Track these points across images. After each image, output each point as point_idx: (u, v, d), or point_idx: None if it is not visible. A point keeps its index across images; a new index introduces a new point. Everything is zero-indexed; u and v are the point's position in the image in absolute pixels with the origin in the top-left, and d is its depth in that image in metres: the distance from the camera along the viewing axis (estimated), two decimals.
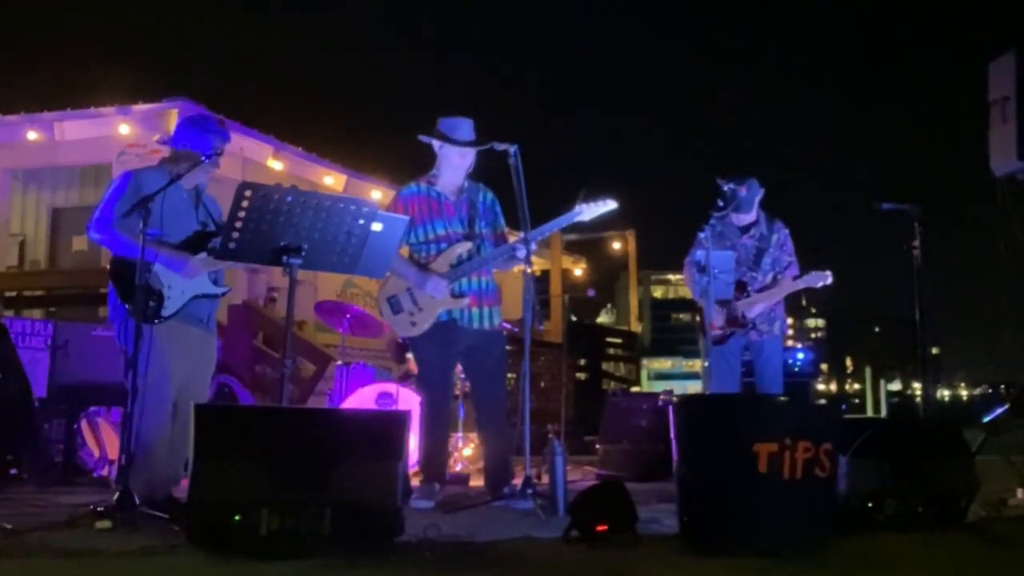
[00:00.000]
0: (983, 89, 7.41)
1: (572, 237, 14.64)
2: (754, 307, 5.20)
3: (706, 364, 5.15)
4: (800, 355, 10.09)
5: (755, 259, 5.28)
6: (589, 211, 4.45)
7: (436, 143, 4.62)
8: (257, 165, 9.80)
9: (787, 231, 5.37)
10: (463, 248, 4.55)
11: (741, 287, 5.24)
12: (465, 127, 4.59)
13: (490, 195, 4.73)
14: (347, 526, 2.90)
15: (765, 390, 5.22)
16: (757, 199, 5.31)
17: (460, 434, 6.08)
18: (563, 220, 4.46)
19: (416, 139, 4.69)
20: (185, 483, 3.22)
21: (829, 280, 5.19)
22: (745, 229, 5.32)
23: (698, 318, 5.27)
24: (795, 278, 5.30)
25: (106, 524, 3.29)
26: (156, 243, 3.71)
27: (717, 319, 5.23)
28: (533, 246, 4.35)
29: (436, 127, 4.61)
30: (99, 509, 3.37)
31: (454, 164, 4.60)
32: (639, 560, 3.00)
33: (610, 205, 4.47)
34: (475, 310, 4.56)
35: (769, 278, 5.30)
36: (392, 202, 4.70)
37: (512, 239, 4.64)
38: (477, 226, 4.62)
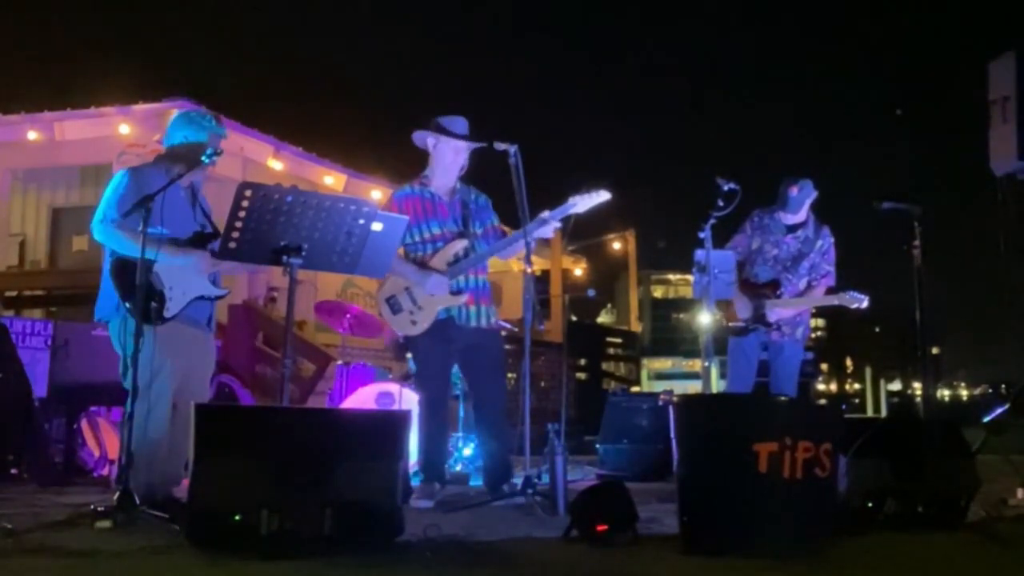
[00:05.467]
0: (983, 89, 7.41)
1: (574, 245, 14.64)
2: (779, 310, 5.19)
3: (706, 364, 5.15)
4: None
5: (793, 261, 5.27)
6: (583, 203, 4.43)
7: (431, 141, 4.63)
8: (257, 165, 9.80)
9: (832, 240, 5.35)
10: (459, 246, 4.56)
11: (775, 286, 5.24)
12: (460, 124, 4.60)
13: (483, 197, 4.75)
14: (347, 526, 2.90)
15: (779, 391, 5.22)
16: (808, 201, 5.28)
17: (460, 434, 6.08)
18: (558, 213, 4.44)
19: (411, 138, 4.70)
20: (185, 483, 3.22)
21: (864, 304, 5.17)
22: (791, 229, 5.31)
23: (720, 314, 5.18)
24: (830, 290, 5.28)
25: (106, 524, 3.29)
26: (161, 242, 3.68)
27: (743, 312, 5.23)
28: (533, 244, 4.35)
29: (432, 123, 4.63)
30: (99, 509, 3.37)
31: (447, 162, 4.61)
32: (639, 560, 3.00)
33: (603, 196, 4.45)
34: (472, 308, 4.56)
35: (803, 283, 5.29)
36: (387, 204, 4.71)
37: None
38: (472, 226, 4.63)
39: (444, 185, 4.65)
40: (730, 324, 5.25)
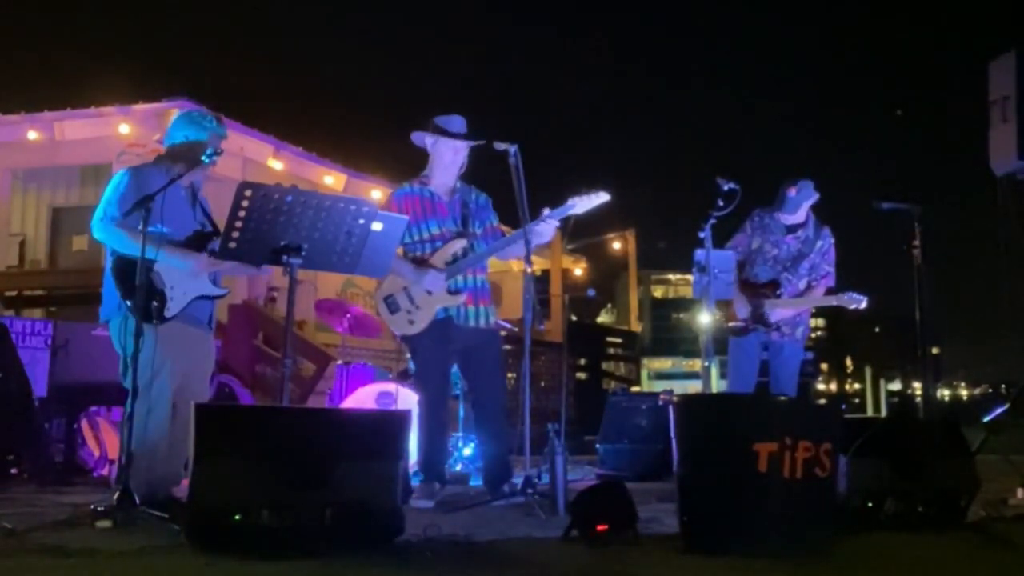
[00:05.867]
0: (983, 89, 7.42)
1: (573, 244, 14.62)
2: (780, 311, 5.18)
3: (706, 364, 5.14)
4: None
5: (794, 261, 5.26)
6: (582, 204, 4.43)
7: (429, 140, 4.64)
8: (257, 165, 9.80)
9: (833, 240, 5.34)
10: (458, 245, 4.56)
11: (774, 286, 5.23)
12: (458, 123, 4.61)
13: (483, 196, 4.75)
14: (347, 526, 2.90)
15: (779, 391, 5.21)
16: (807, 203, 5.27)
17: (460, 434, 6.08)
18: (557, 213, 4.44)
19: (410, 138, 4.71)
20: (185, 483, 3.22)
21: (863, 305, 5.16)
22: (791, 229, 5.30)
23: (719, 314, 5.18)
24: (829, 290, 5.28)
25: (106, 524, 3.29)
26: (161, 241, 3.68)
27: (742, 312, 5.22)
28: (533, 244, 4.35)
29: (430, 123, 4.64)
30: (99, 509, 3.37)
31: (446, 161, 4.61)
32: (639, 560, 3.00)
33: (603, 197, 4.45)
34: (471, 308, 4.56)
35: (803, 284, 5.29)
36: (386, 203, 4.72)
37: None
38: (471, 225, 4.63)
39: (444, 184, 4.65)
40: (730, 324, 5.25)
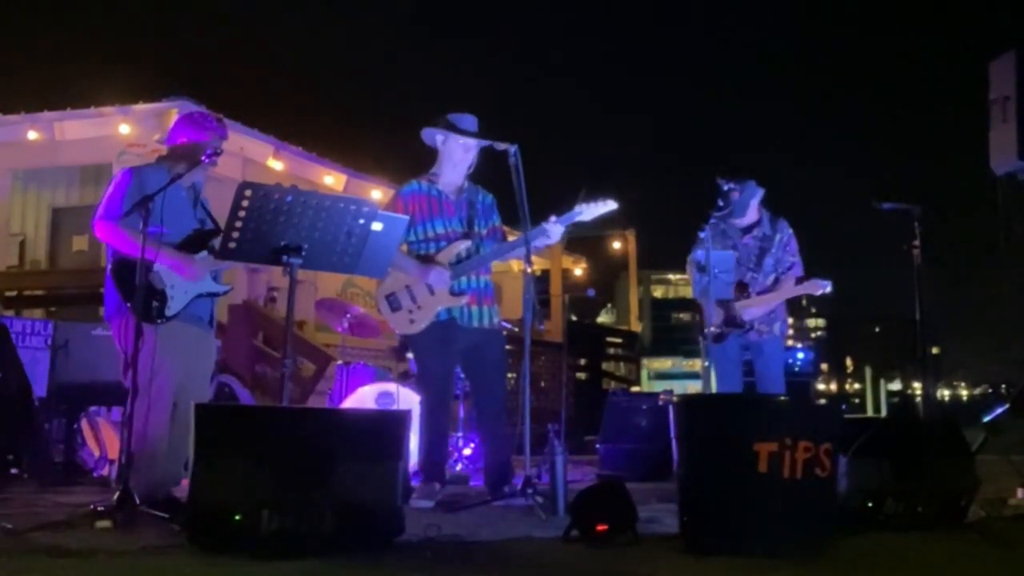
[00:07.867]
0: (983, 89, 7.42)
1: (572, 235, 14.60)
2: (751, 309, 5.17)
3: (706, 364, 5.13)
4: (800, 355, 10.12)
5: (757, 259, 5.24)
6: (589, 211, 4.44)
7: (439, 137, 4.63)
8: (257, 165, 9.80)
9: (791, 231, 5.32)
10: (463, 246, 4.56)
11: (742, 287, 5.22)
12: (470, 121, 4.61)
13: (490, 197, 4.75)
14: (347, 526, 2.90)
15: (767, 391, 5.19)
16: (753, 201, 5.27)
17: (460, 434, 6.08)
18: (564, 220, 4.45)
19: (420, 135, 4.72)
20: (185, 483, 3.22)
21: (828, 288, 5.13)
22: (747, 230, 5.30)
23: (698, 317, 5.25)
24: (798, 280, 5.26)
25: (106, 524, 3.29)
26: (160, 244, 3.68)
27: (715, 318, 5.21)
28: (533, 246, 4.35)
29: (442, 120, 4.64)
30: (99, 509, 3.37)
31: (456, 159, 4.61)
32: (639, 560, 3.00)
33: (610, 205, 4.47)
34: (474, 308, 4.56)
35: (771, 280, 5.27)
36: (392, 199, 4.71)
37: (512, 239, 4.66)
38: (476, 226, 4.63)
39: (452, 183, 4.65)
40: (705, 332, 5.22)
